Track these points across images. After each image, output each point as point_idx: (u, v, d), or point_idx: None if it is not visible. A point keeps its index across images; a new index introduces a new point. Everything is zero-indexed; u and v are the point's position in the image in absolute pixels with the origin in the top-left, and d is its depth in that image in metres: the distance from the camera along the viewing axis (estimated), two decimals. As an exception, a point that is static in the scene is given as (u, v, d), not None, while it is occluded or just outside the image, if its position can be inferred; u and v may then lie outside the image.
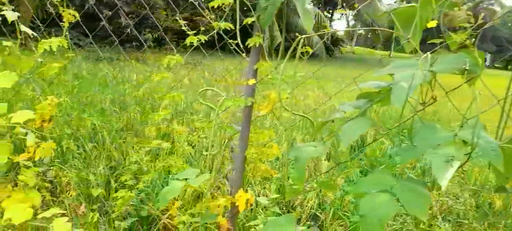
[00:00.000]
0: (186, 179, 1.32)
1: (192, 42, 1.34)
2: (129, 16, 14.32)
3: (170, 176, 2.64)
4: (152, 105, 5.30)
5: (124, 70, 8.52)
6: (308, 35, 1.11)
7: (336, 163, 1.51)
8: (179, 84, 7.65)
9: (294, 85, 1.12)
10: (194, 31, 1.30)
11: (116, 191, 2.99)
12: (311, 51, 1.17)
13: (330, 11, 28.56)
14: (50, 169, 2.97)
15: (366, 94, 1.28)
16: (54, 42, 1.49)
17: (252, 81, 1.21)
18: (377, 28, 1.23)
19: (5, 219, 1.58)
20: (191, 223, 1.47)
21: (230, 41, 1.28)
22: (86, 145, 3.47)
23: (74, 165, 3.17)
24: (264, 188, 2.29)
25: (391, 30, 1.22)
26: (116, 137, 3.81)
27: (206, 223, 1.50)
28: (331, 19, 28.01)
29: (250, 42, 1.19)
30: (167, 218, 2.60)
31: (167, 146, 1.64)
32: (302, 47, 1.25)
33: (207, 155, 2.04)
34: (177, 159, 1.45)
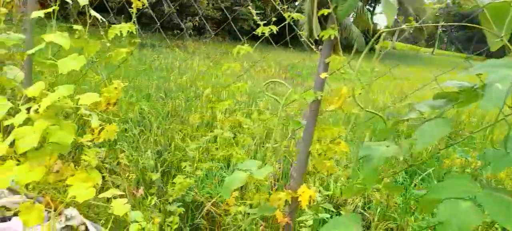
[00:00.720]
0: (247, 170, 1.31)
1: (255, 32, 1.32)
2: (171, 3, 14.58)
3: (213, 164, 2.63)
4: (195, 93, 5.38)
5: (167, 57, 8.71)
6: (391, 29, 1.06)
7: (408, 164, 1.46)
8: (215, 74, 7.70)
9: (370, 81, 1.08)
10: (265, 22, 1.28)
11: (162, 175, 3.07)
12: (387, 46, 1.11)
13: (373, 5, 27.71)
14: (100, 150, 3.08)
15: (444, 94, 1.20)
16: (125, 27, 1.52)
17: (324, 75, 1.17)
18: (447, 24, 1.16)
19: (69, 197, 1.65)
20: (248, 214, 1.46)
21: (301, 32, 1.25)
22: (134, 129, 3.58)
23: (123, 147, 3.28)
24: (314, 183, 2.26)
25: (435, 24, 1.14)
26: (162, 122, 3.90)
27: (264, 216, 1.49)
28: (372, 13, 27.18)
29: (325, 34, 1.15)
30: (212, 205, 2.63)
31: (228, 136, 1.64)
32: (376, 42, 1.19)
33: (267, 147, 2.03)
34: (238, 149, 1.44)
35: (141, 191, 1.83)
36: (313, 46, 1.23)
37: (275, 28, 1.27)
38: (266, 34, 1.26)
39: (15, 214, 1.84)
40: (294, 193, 1.35)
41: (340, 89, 1.16)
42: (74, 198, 1.64)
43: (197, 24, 15.86)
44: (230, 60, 11.51)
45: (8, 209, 1.88)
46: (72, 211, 1.84)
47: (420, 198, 1.21)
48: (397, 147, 1.13)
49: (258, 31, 1.26)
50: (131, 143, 3.45)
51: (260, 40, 1.34)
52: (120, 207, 1.70)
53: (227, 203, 2.67)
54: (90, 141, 1.85)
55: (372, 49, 1.27)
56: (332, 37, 1.14)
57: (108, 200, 1.90)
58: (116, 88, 1.62)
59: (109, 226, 1.62)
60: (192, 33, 15.52)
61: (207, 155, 2.65)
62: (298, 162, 1.33)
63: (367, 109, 1.12)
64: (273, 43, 1.65)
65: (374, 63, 1.07)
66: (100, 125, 1.73)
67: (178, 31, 14.48)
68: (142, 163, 2.64)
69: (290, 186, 1.36)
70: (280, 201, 1.33)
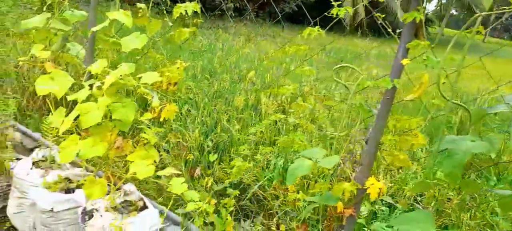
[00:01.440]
0: (313, 159, 1.27)
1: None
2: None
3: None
4: (239, 75, 5.37)
5: (209, 37, 8.75)
6: (486, 13, 0.95)
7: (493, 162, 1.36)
8: (258, 57, 7.62)
9: (458, 69, 0.99)
10: (338, 2, 1.20)
11: (208, 154, 3.10)
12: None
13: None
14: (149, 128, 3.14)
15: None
16: (189, 6, 1.50)
17: (406, 61, 1.09)
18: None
19: (130, 173, 1.69)
20: (308, 202, 1.43)
21: (378, 14, 1.17)
22: (182, 108, 3.63)
23: (172, 126, 3.34)
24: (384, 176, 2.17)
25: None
26: (208, 103, 3.93)
27: (326, 206, 1.44)
28: (420, -3, 25.71)
29: (408, 17, 1.06)
30: (258, 188, 2.62)
31: (292, 121, 1.60)
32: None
33: (330, 135, 1.98)
34: (300, 136, 1.40)
35: (198, 171, 1.84)
36: (389, 30, 1.15)
37: (350, 10, 1.20)
38: (341, 16, 1.19)
39: (78, 186, 1.92)
40: (358, 185, 1.29)
41: (421, 77, 1.07)
42: (135, 174, 1.68)
43: (238, 6, 15.80)
44: (270, 43, 11.35)
45: (70, 181, 1.96)
46: (130, 186, 1.89)
47: (504, 197, 1.11)
48: (485, 142, 1.03)
49: (333, 11, 1.19)
50: (178, 122, 3.50)
51: (332, 23, 1.28)
52: (178, 186, 1.72)
53: (274, 187, 2.66)
54: (149, 120, 1.88)
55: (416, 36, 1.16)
56: (417, 20, 1.05)
57: (158, 177, 1.93)
58: (178, 68, 1.61)
59: (170, 205, 1.64)
60: (233, 14, 15.49)
61: (264, 140, 2.58)
62: (366, 153, 1.27)
63: (453, 101, 1.04)
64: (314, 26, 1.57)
65: (464, 52, 0.98)
66: (160, 104, 1.75)
67: (219, 12, 14.50)
68: (200, 143, 2.66)
69: (356, 176, 1.31)
70: (345, 192, 1.28)
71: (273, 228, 1.69)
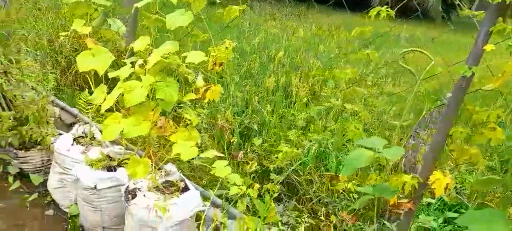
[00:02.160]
0: (374, 149, 1.19)
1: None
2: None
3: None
4: (268, 55, 5.28)
5: (239, 17, 8.60)
6: None
7: None
8: (286, 36, 7.47)
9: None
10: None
11: (241, 137, 3.06)
12: None
13: (453, -31, 25.04)
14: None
15: None
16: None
17: (490, 47, 0.99)
18: None
19: (174, 154, 1.67)
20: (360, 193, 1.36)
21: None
22: (213, 88, 3.58)
23: (203, 106, 3.30)
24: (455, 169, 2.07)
25: None
26: (238, 83, 3.88)
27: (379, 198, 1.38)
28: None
29: (495, -1, 0.96)
30: (293, 173, 2.57)
31: (350, 108, 1.52)
32: None
33: (396, 124, 1.89)
34: (356, 124, 1.33)
35: (241, 154, 1.80)
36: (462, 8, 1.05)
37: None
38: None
39: (119, 164, 1.91)
40: (419, 178, 1.22)
41: (504, 65, 0.98)
42: (178, 155, 1.65)
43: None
44: (295, 22, 11.11)
45: (111, 159, 1.96)
46: (171, 167, 1.87)
47: None
48: None
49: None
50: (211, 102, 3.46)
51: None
52: (221, 168, 1.68)
53: (309, 172, 2.60)
54: (192, 101, 1.84)
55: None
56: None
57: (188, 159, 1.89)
58: (227, 47, 1.55)
59: (217, 189, 1.60)
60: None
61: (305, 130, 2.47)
62: (432, 145, 1.19)
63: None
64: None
65: None
66: (204, 85, 1.70)
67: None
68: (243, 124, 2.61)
69: (418, 169, 1.23)
70: (406, 185, 1.20)
71: (322, 217, 1.64)
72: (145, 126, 1.72)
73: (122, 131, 1.69)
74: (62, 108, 2.49)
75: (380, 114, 2.27)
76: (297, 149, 1.59)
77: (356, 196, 1.83)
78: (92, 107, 2.42)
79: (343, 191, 2.09)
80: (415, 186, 1.22)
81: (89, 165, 1.83)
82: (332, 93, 3.91)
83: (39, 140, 2.06)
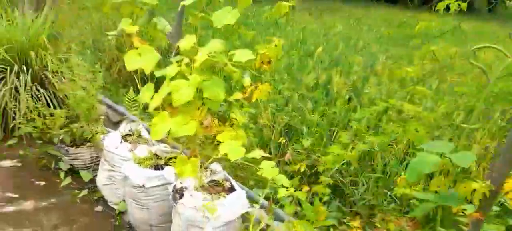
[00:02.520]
0: (440, 154, 1.11)
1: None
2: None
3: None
4: (305, 51, 5.19)
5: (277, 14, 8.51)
6: None
7: None
8: (323, 31, 7.31)
9: None
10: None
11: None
12: None
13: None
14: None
15: None
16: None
17: None
18: None
19: (221, 154, 1.65)
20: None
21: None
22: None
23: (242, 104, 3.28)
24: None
25: None
26: (278, 81, 3.83)
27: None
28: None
29: None
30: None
31: (413, 109, 1.43)
32: None
33: (465, 127, 1.77)
34: (418, 126, 1.24)
35: (288, 155, 1.76)
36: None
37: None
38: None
39: (166, 163, 1.92)
40: (490, 186, 1.12)
41: None
42: (226, 155, 1.63)
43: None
44: (332, 17, 10.86)
45: (158, 157, 1.97)
46: (216, 166, 1.86)
47: None
48: None
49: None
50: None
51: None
52: (268, 169, 1.64)
53: (355, 174, 2.51)
54: (236, 100, 1.81)
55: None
56: None
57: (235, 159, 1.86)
58: (276, 46, 1.50)
59: (266, 192, 1.56)
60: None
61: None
62: (504, 150, 1.09)
63: None
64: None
65: None
66: (252, 84, 1.66)
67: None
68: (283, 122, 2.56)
69: (489, 175, 1.13)
70: (476, 193, 1.11)
71: (378, 224, 1.57)
72: (192, 125, 1.71)
73: (170, 130, 1.69)
74: (109, 107, 2.55)
75: (444, 116, 2.10)
76: (351, 151, 1.51)
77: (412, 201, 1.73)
78: (139, 106, 2.47)
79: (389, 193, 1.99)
80: (485, 194, 1.12)
81: (137, 163, 1.85)
82: (376, 91, 3.78)
83: (89, 137, 2.11)
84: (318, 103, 3.55)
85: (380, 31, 8.70)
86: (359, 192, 2.32)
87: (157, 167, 1.88)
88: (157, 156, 1.97)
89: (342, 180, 2.48)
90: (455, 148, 1.13)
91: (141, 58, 2.01)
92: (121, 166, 2.00)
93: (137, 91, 3.03)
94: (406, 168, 2.10)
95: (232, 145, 1.66)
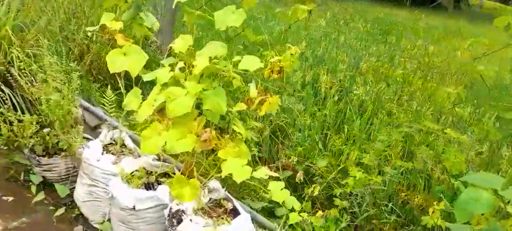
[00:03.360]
0: (492, 189, 0.98)
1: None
2: None
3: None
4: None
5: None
6: None
7: None
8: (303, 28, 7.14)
9: None
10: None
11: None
12: None
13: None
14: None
15: None
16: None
17: None
18: None
19: (225, 174, 1.46)
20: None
21: None
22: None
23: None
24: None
25: None
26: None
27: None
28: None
29: None
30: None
31: (454, 136, 1.30)
32: None
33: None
34: (453, 151, 1.11)
35: (300, 174, 1.59)
36: None
37: None
38: None
39: (157, 180, 1.71)
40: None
41: None
42: (231, 176, 1.44)
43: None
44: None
45: (148, 172, 1.75)
46: (215, 183, 1.67)
47: None
48: None
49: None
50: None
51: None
52: (278, 191, 1.48)
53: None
54: (239, 112, 1.62)
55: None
56: None
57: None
58: (292, 54, 1.32)
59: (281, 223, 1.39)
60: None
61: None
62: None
63: None
64: None
65: None
66: (259, 95, 1.48)
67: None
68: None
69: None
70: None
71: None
72: (190, 140, 1.51)
73: (166, 146, 1.48)
74: (85, 109, 2.28)
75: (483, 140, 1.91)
76: (377, 176, 1.37)
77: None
78: (121, 109, 2.22)
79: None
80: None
81: (126, 181, 1.63)
82: (363, 90, 3.68)
83: (65, 147, 1.85)
84: (307, 103, 3.41)
85: (357, 27, 8.66)
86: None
87: (148, 185, 1.67)
88: (146, 171, 1.75)
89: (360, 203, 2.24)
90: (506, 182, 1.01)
91: (126, 59, 1.78)
92: (104, 180, 1.77)
93: (116, 90, 2.74)
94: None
95: (236, 163, 1.48)
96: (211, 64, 1.45)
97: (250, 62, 1.44)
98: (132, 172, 1.70)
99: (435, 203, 1.28)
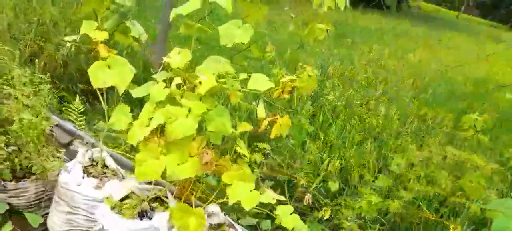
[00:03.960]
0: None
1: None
2: None
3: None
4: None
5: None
6: None
7: None
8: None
9: None
10: None
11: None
12: None
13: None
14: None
15: None
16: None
17: None
18: None
19: (232, 200, 1.36)
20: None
21: None
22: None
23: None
24: None
25: None
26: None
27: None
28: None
29: None
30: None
31: (475, 161, 1.30)
32: None
33: None
34: (478, 177, 1.11)
35: (309, 197, 1.53)
36: None
37: None
38: None
39: (150, 205, 1.57)
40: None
41: None
42: (239, 203, 1.35)
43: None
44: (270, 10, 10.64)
45: (138, 197, 1.61)
46: (214, 208, 1.57)
47: None
48: None
49: None
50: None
51: None
52: (287, 217, 1.41)
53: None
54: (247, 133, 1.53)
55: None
56: None
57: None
58: (310, 76, 1.26)
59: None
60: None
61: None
62: None
63: None
64: None
65: None
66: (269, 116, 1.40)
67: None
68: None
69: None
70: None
71: None
72: (192, 165, 1.39)
73: (166, 173, 1.35)
74: (56, 124, 2.05)
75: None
76: (394, 201, 1.34)
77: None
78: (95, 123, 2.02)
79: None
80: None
81: (117, 212, 1.47)
82: (334, 96, 3.72)
83: (39, 172, 1.64)
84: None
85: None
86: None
87: (143, 214, 1.52)
88: (139, 197, 1.60)
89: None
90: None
91: (111, 72, 1.62)
92: (86, 206, 1.60)
93: (88, 102, 2.54)
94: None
95: (244, 189, 1.39)
96: (219, 84, 1.35)
97: (260, 82, 1.36)
98: (122, 198, 1.54)
99: (452, 225, 1.30)
